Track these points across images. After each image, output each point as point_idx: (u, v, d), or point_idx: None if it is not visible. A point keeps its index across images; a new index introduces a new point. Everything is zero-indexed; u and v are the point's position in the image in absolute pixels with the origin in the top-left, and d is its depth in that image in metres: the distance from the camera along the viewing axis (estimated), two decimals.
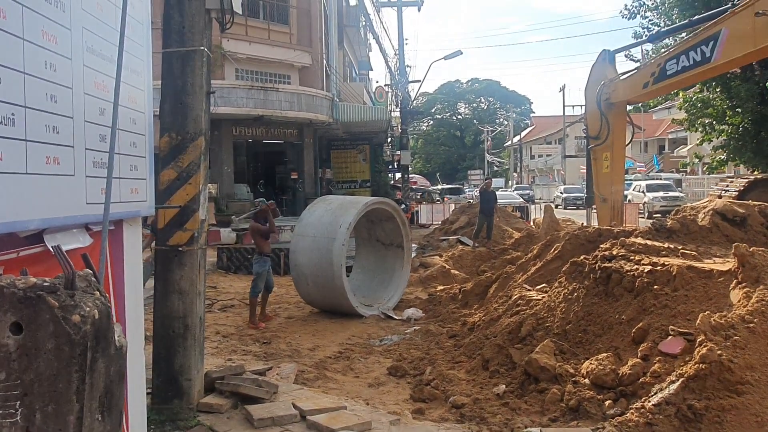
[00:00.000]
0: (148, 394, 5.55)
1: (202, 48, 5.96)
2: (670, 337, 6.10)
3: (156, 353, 6.03)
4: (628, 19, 24.16)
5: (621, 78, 13.52)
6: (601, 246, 8.54)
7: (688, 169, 42.91)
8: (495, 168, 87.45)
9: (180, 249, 5.92)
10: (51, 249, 2.64)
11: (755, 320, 5.75)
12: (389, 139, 42.91)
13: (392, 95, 38.31)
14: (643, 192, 34.93)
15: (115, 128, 3.45)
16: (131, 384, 4.32)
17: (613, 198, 13.82)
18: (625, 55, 17.92)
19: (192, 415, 5.88)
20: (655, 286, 6.88)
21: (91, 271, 2.13)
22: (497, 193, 25.58)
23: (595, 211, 15.00)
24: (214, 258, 16.70)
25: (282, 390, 6.61)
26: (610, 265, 7.65)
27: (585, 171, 18.84)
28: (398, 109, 36.97)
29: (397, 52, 36.80)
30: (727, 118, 22.47)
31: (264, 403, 6.13)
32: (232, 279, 15.47)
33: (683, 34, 14.83)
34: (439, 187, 55.95)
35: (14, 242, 3.03)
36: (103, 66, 3.78)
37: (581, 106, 15.18)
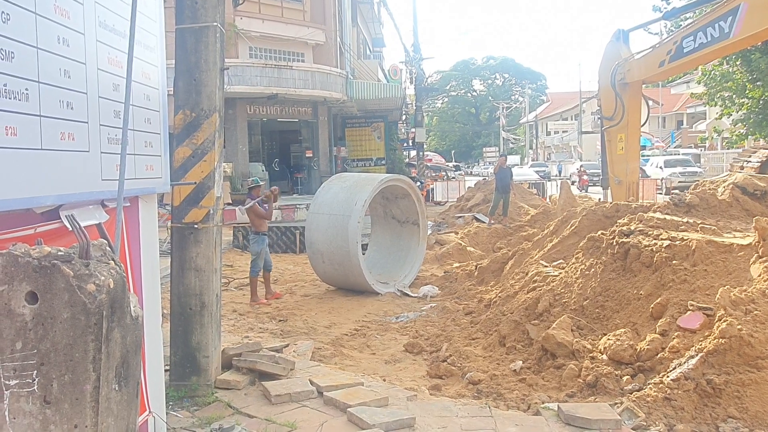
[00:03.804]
0: (165, 371, 5.60)
1: (216, 24, 5.91)
2: (689, 312, 6.04)
3: (173, 330, 6.06)
4: None
5: (636, 57, 13.27)
6: (619, 221, 8.47)
7: (707, 144, 42.40)
8: (510, 145, 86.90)
9: (196, 226, 5.92)
10: (64, 218, 2.64)
11: None
12: (404, 117, 42.73)
13: (406, 72, 38.05)
14: (660, 168, 34.53)
15: (128, 103, 3.43)
16: (149, 360, 4.36)
17: (628, 178, 13.65)
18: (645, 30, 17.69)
19: (210, 391, 5.92)
20: (674, 261, 6.81)
21: (105, 241, 2.12)
22: (517, 169, 25.29)
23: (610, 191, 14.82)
24: (229, 237, 16.77)
25: (299, 367, 6.64)
26: (627, 240, 7.57)
27: (601, 147, 18.67)
28: (413, 86, 36.74)
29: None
30: (747, 92, 22.12)
31: (281, 380, 6.15)
32: (248, 257, 15.49)
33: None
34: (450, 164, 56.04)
35: (31, 218, 3.03)
36: (117, 41, 3.77)
37: (597, 81, 14.89)
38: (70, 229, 2.10)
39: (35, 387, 1.85)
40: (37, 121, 2.92)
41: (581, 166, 42.40)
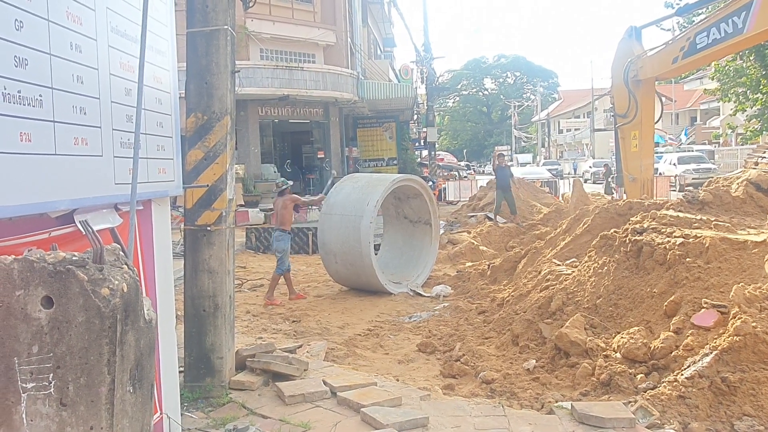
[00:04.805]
0: (180, 372, 5.64)
1: (226, 27, 5.94)
2: (703, 309, 6.01)
3: (187, 332, 6.11)
4: None
5: (648, 54, 13.20)
6: (632, 219, 8.43)
7: (721, 141, 42.10)
8: (523, 143, 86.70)
9: (208, 228, 5.95)
10: (78, 224, 2.68)
11: None
12: (415, 116, 42.70)
13: (417, 72, 38.02)
14: (674, 165, 34.28)
15: (140, 108, 3.46)
16: (164, 362, 4.39)
17: (642, 175, 13.59)
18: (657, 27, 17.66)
19: (224, 392, 5.95)
20: (688, 259, 6.77)
21: (119, 246, 2.15)
22: (530, 167, 24.94)
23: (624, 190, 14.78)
24: (242, 238, 16.85)
25: (312, 367, 6.66)
26: (640, 238, 7.54)
27: (614, 145, 18.65)
28: (424, 86, 36.71)
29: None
30: (761, 87, 21.96)
31: (295, 380, 6.18)
32: (261, 259, 15.59)
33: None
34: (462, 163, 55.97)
35: (45, 223, 3.07)
36: (128, 46, 3.80)
37: (610, 78, 14.85)
38: (84, 233, 2.13)
39: (52, 389, 1.88)
40: (51, 127, 2.96)
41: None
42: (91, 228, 2.11)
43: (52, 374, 1.88)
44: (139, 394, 2.05)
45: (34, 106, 2.82)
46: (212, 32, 5.91)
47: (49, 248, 2.14)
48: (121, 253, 2.11)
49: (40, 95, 2.88)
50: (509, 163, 21.60)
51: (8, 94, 2.64)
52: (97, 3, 3.43)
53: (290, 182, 11.78)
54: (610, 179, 25.82)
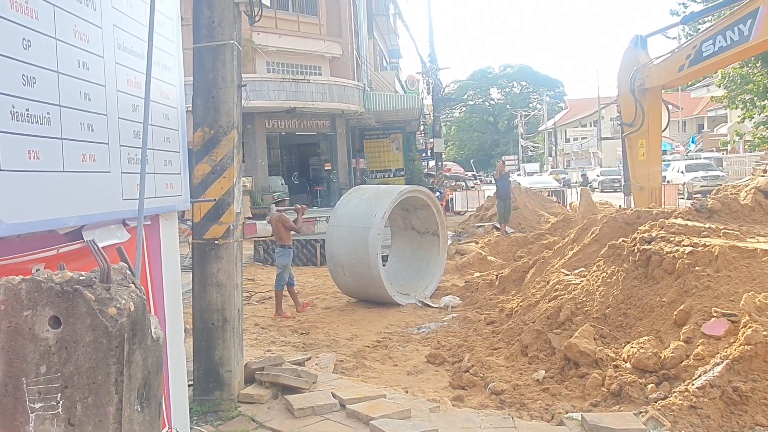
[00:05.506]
0: (189, 386, 5.64)
1: (232, 42, 5.98)
2: (713, 318, 5.98)
3: (196, 346, 6.12)
4: None
5: (654, 62, 13.20)
6: (640, 228, 8.40)
7: (729, 148, 41.94)
8: (530, 152, 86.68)
9: (216, 242, 5.97)
10: (87, 243, 2.69)
11: None
12: (422, 127, 42.77)
13: (423, 82, 38.10)
14: (682, 172, 34.13)
15: (147, 123, 3.48)
16: (173, 376, 4.39)
17: (650, 183, 13.56)
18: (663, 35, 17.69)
19: (233, 405, 5.96)
20: (697, 267, 6.73)
21: (126, 265, 2.16)
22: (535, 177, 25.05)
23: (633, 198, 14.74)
24: (250, 251, 16.86)
25: (321, 380, 6.66)
26: (649, 247, 7.51)
27: (621, 153, 18.64)
28: (430, 97, 36.77)
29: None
30: None
31: (304, 393, 6.18)
32: (270, 271, 15.57)
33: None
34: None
35: (54, 239, 3.09)
36: (135, 63, 3.83)
37: (616, 86, 14.86)
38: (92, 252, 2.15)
39: (59, 410, 1.89)
40: (59, 144, 2.98)
41: None
42: (99, 247, 2.12)
43: (60, 394, 1.89)
44: (147, 412, 2.05)
45: (42, 124, 2.84)
46: (218, 47, 5.95)
47: (57, 265, 2.15)
48: (128, 272, 2.12)
49: (48, 113, 2.90)
50: (516, 172, 21.76)
51: (17, 112, 2.66)
52: (103, 20, 3.46)
53: (285, 197, 11.79)
54: (587, 187, 26.14)
